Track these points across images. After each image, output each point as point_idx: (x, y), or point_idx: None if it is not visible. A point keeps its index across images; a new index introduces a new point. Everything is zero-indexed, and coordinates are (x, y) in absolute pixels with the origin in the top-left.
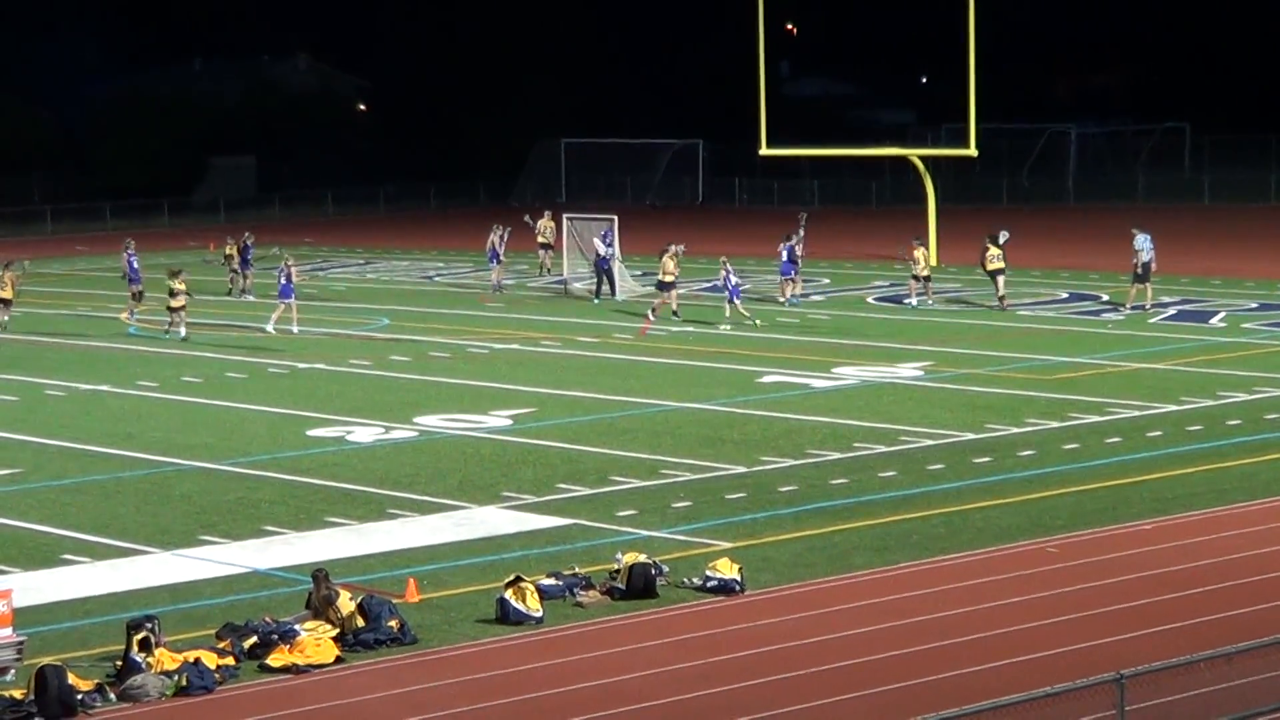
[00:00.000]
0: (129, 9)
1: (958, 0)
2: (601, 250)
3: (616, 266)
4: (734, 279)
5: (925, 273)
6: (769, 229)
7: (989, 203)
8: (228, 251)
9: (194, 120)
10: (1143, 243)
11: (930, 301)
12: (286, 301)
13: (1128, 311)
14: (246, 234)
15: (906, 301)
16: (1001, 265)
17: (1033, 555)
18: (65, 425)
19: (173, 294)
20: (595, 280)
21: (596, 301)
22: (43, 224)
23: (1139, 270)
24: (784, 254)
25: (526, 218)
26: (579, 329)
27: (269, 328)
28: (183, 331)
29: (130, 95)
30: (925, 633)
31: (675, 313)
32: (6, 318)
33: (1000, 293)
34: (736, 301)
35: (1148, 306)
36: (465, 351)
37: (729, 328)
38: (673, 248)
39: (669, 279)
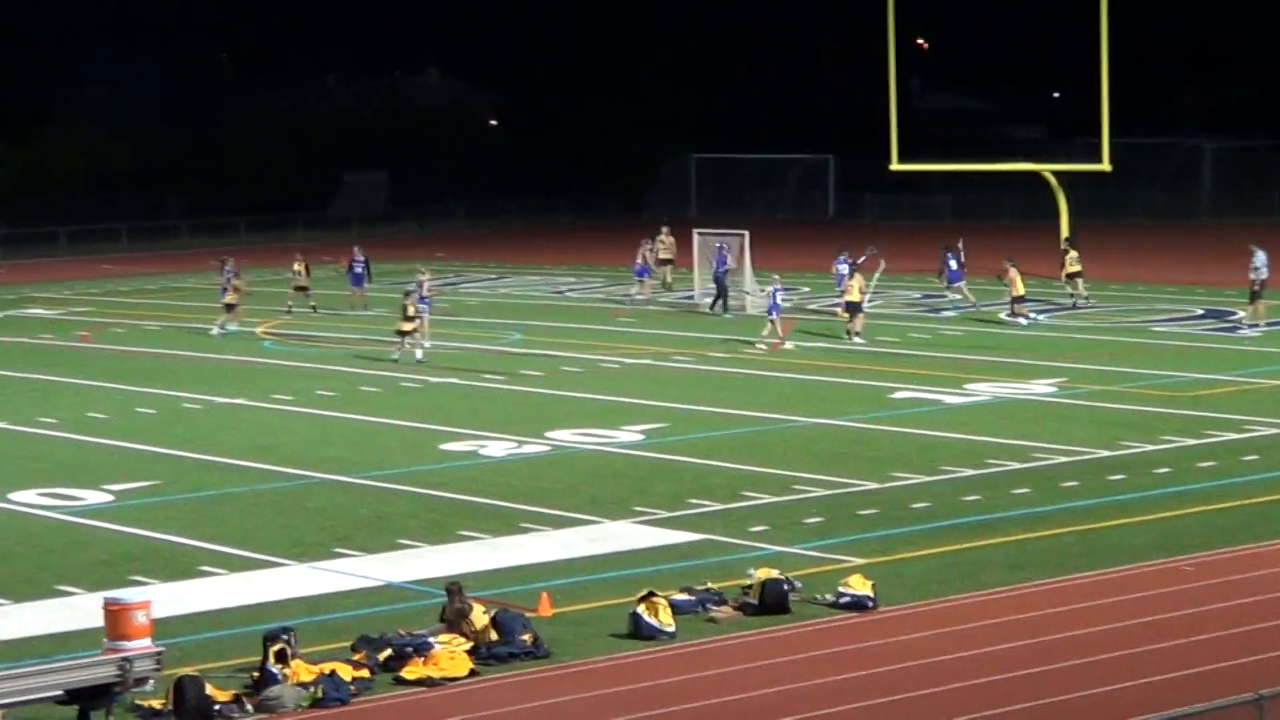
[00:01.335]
0: (264, 26)
1: (1090, 14)
2: (719, 265)
3: (749, 281)
4: (779, 297)
5: (1019, 293)
6: (900, 244)
7: (1122, 218)
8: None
9: (328, 136)
10: (1261, 260)
11: (1035, 318)
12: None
13: (1261, 328)
14: (355, 249)
15: (1019, 320)
16: (1079, 269)
17: (1167, 574)
18: (202, 438)
19: (407, 317)
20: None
21: (726, 316)
22: (179, 239)
23: (1256, 288)
24: (951, 263)
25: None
26: (710, 344)
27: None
28: (419, 354)
29: (265, 111)
30: (1058, 651)
31: (856, 334)
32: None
33: (1081, 294)
34: (775, 318)
35: (1261, 325)
36: (597, 366)
37: (764, 347)
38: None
39: (857, 298)
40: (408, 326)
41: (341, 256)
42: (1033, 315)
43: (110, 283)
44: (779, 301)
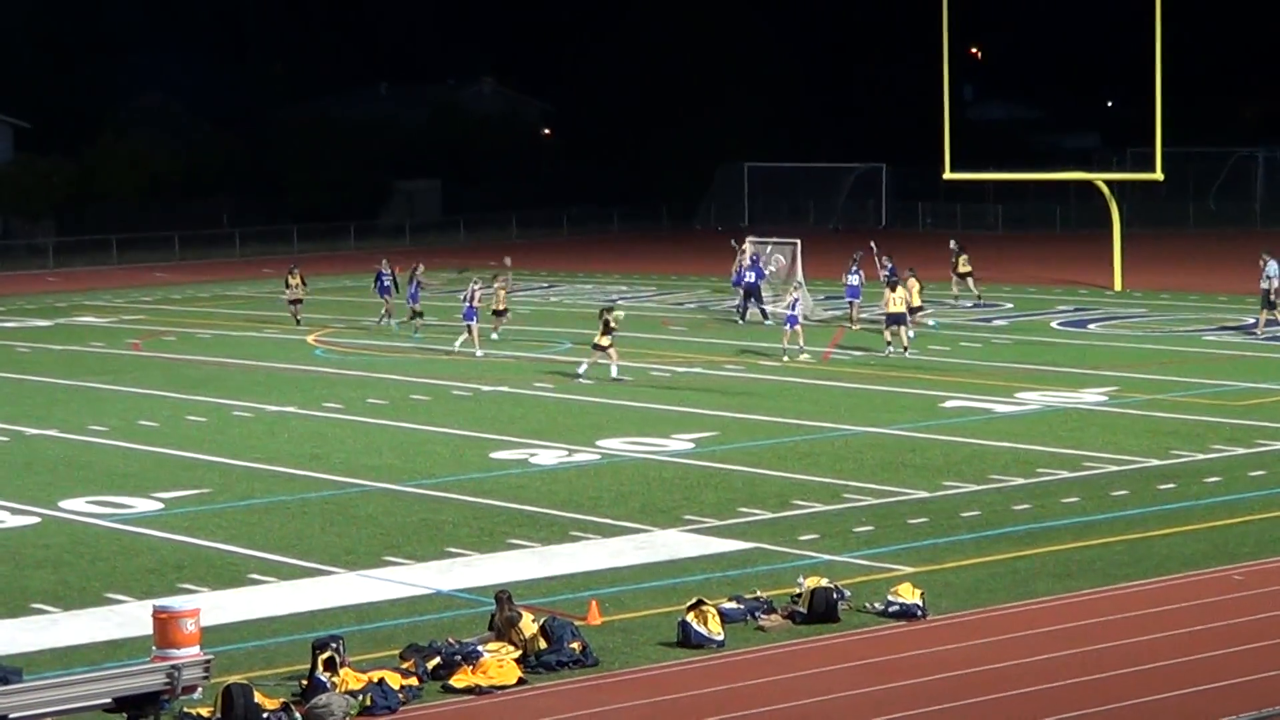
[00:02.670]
0: (316, 34)
1: (1144, 23)
2: (750, 273)
3: (801, 293)
4: (798, 309)
5: (916, 304)
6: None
7: (1175, 227)
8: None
9: (380, 144)
10: (1274, 269)
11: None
12: (469, 324)
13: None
14: (418, 264)
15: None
16: (970, 269)
17: (1218, 583)
18: (252, 446)
19: (606, 329)
20: (742, 303)
21: (740, 323)
22: (231, 247)
23: (1272, 297)
24: (852, 279)
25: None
26: (761, 352)
27: (454, 347)
28: (614, 371)
29: (317, 119)
30: (1108, 660)
31: (903, 346)
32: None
33: (974, 292)
34: (795, 329)
35: (1259, 333)
36: (648, 375)
37: (788, 359)
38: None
39: (898, 310)
40: (604, 342)
41: (397, 267)
42: (930, 322)
43: (162, 290)
44: (796, 312)
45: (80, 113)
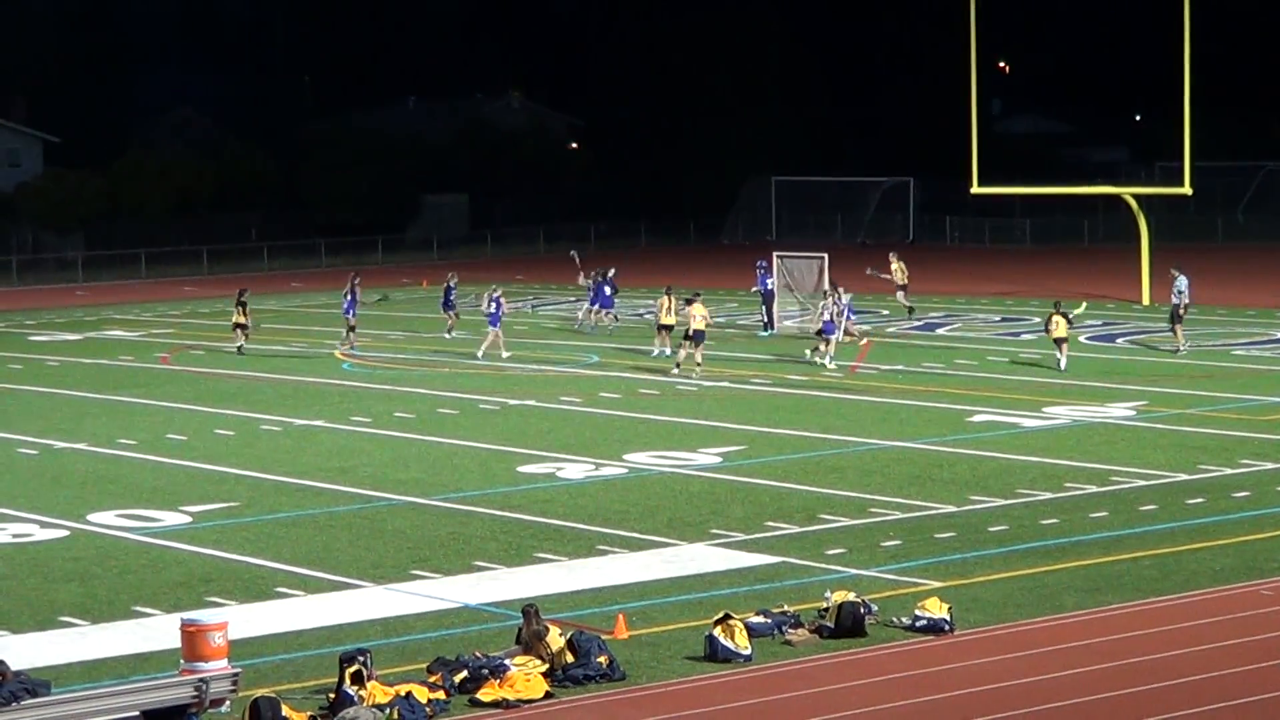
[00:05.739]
0: (344, 48)
1: (1172, 38)
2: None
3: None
4: (826, 316)
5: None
6: (980, 267)
7: (1203, 241)
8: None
9: (408, 158)
10: (1183, 285)
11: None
12: (495, 330)
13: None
14: (451, 275)
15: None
16: (906, 281)
17: (1247, 598)
18: (280, 460)
19: (847, 333)
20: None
21: (764, 334)
22: (259, 261)
23: (1181, 312)
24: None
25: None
26: (788, 367)
27: (479, 354)
28: (829, 363)
29: (345, 133)
30: (1136, 675)
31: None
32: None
33: (904, 303)
34: (830, 338)
35: (1180, 349)
36: (674, 389)
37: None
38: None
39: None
40: (824, 347)
41: (425, 280)
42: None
43: (190, 304)
44: (832, 319)
45: (109, 127)
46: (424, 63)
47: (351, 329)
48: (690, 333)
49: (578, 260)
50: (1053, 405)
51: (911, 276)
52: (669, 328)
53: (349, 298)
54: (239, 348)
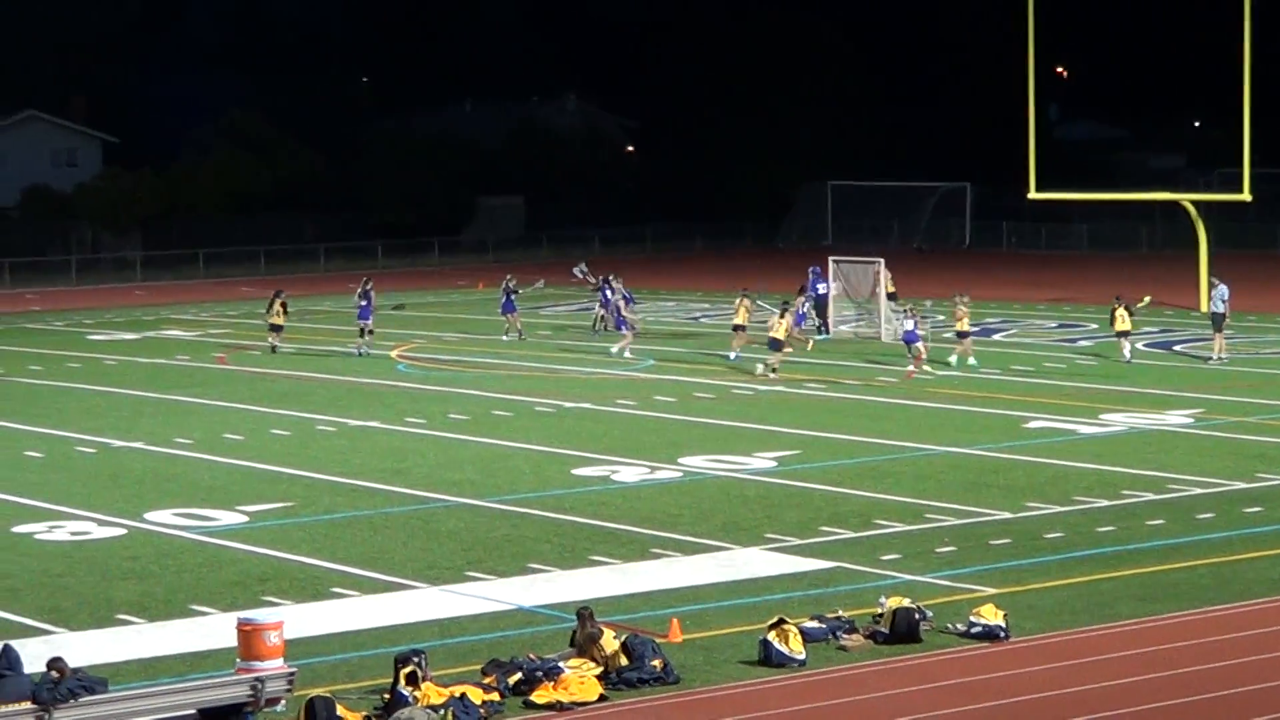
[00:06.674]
0: (402, 51)
1: (1231, 43)
2: (821, 285)
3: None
4: (909, 325)
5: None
6: (1036, 273)
7: (1262, 248)
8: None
9: (464, 161)
10: (1223, 293)
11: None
12: (625, 332)
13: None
14: (509, 277)
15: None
16: (894, 289)
17: None
18: (335, 460)
19: (961, 331)
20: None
21: (819, 338)
22: (315, 262)
23: (1222, 321)
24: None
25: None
26: (843, 371)
27: (613, 351)
28: (958, 360)
29: (402, 136)
30: (1191, 685)
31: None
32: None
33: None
34: (917, 346)
35: (1215, 357)
36: (729, 393)
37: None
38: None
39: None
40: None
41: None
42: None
43: (247, 305)
44: (915, 329)
45: (168, 127)
46: (480, 65)
47: (370, 331)
48: (770, 340)
49: (585, 274)
50: (1110, 412)
51: (966, 281)
52: (743, 328)
53: (365, 302)
54: (272, 347)
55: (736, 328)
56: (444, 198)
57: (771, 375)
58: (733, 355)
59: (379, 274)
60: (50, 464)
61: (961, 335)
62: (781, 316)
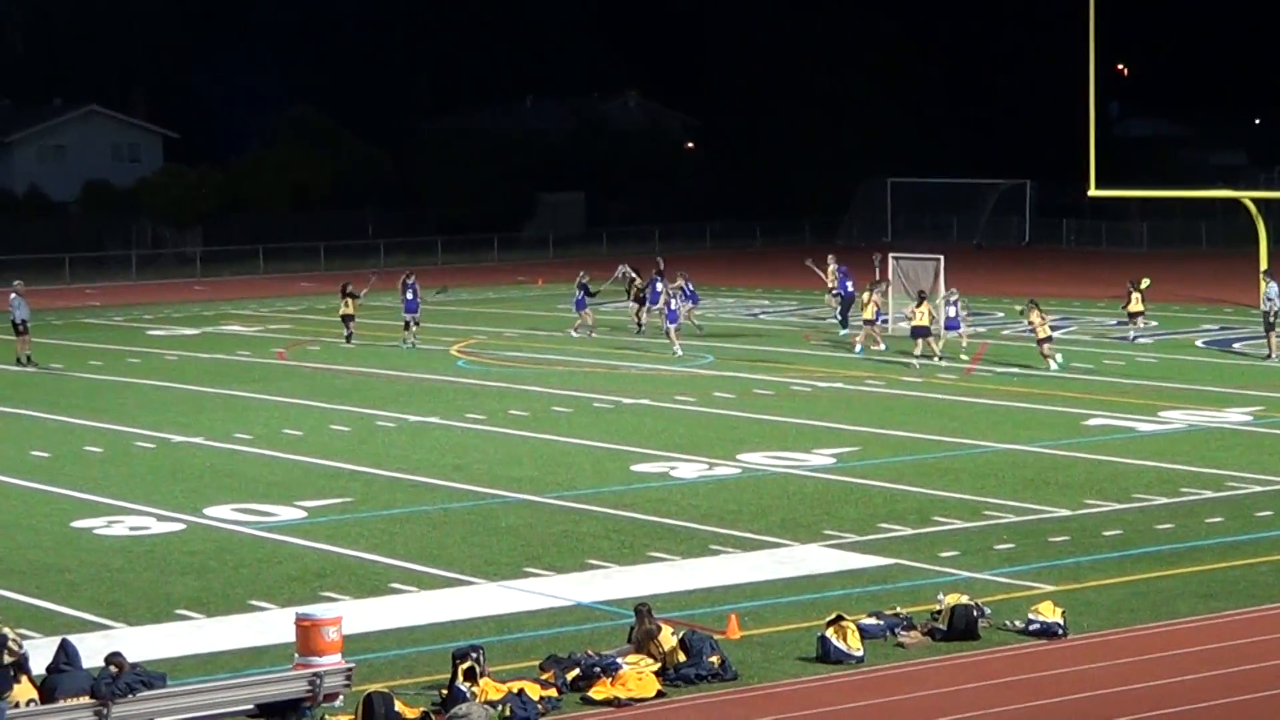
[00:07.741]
0: (463, 46)
1: None
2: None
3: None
4: (951, 313)
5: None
6: (1096, 270)
7: None
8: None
9: (525, 157)
10: (1273, 292)
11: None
12: (671, 325)
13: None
14: (582, 273)
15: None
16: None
17: None
18: (394, 456)
19: (1044, 330)
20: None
21: (844, 333)
22: (375, 257)
23: (1272, 319)
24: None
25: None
26: (902, 368)
27: (677, 353)
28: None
29: (462, 131)
30: (1251, 682)
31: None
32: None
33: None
34: (958, 333)
35: (1272, 356)
36: (788, 389)
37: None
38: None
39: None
40: (1045, 340)
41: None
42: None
43: (307, 300)
44: (957, 318)
45: (228, 123)
46: (542, 61)
47: (417, 323)
48: (913, 329)
49: (628, 273)
50: (1168, 409)
51: (1025, 279)
52: (871, 322)
53: (411, 296)
54: (348, 336)
55: (866, 322)
56: (504, 194)
57: (920, 365)
58: (857, 349)
59: (439, 270)
60: (110, 459)
61: (1042, 341)
62: (919, 305)
